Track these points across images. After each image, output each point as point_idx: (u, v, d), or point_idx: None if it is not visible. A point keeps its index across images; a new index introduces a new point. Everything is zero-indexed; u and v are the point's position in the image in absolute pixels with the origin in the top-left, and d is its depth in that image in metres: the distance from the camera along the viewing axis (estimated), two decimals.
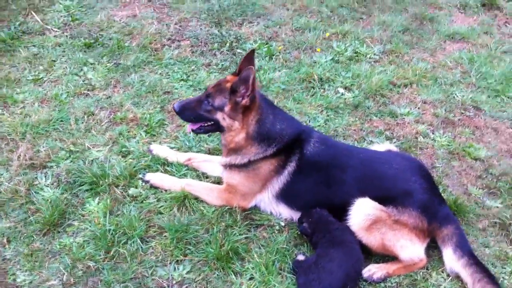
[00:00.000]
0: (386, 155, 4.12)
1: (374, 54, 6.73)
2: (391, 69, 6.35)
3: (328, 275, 3.34)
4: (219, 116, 3.89)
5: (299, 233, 3.91)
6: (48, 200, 3.97)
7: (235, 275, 3.58)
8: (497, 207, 4.38)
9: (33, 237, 3.74)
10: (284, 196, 4.00)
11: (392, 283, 3.65)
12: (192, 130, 4.07)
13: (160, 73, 5.91)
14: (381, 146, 4.46)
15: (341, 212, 3.73)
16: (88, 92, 5.45)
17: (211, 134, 4.71)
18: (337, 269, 3.36)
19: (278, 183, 3.98)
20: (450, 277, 3.68)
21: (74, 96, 5.36)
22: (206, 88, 4.01)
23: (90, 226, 3.81)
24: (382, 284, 3.63)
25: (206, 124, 4.00)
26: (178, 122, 5.00)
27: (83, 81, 5.64)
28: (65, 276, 3.45)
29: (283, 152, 3.93)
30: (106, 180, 4.16)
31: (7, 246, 3.66)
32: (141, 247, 3.72)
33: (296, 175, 3.92)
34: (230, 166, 4.06)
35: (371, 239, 3.65)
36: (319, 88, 5.89)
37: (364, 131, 5.22)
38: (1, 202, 3.97)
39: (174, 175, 4.38)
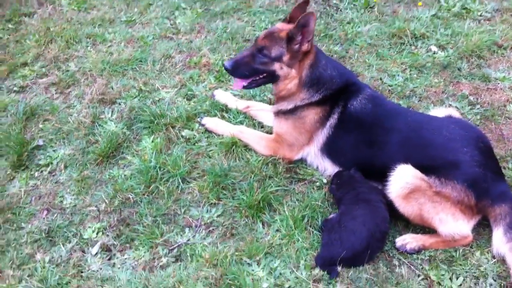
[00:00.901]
0: (438, 120, 3.73)
1: (486, 12, 5.99)
2: (500, 29, 5.62)
3: (351, 234, 3.21)
4: (276, 66, 3.79)
5: None
6: (107, 133, 4.25)
7: (262, 225, 3.58)
8: None
9: (87, 165, 4.06)
10: (328, 150, 3.88)
11: (425, 256, 3.37)
12: (244, 87, 3.97)
13: (246, 21, 5.90)
14: (441, 110, 4.03)
15: (382, 176, 3.48)
16: (173, 36, 5.64)
17: None
18: (360, 228, 3.21)
19: (322, 136, 3.87)
20: (495, 260, 3.31)
21: (159, 38, 5.60)
22: (256, 40, 3.91)
23: (138, 161, 4.02)
24: (414, 256, 3.38)
25: (258, 78, 3.89)
26: None
27: (171, 25, 5.84)
28: (104, 204, 3.72)
29: (328, 102, 3.80)
30: (163, 120, 4.33)
31: (63, 171, 4.03)
32: (181, 186, 3.85)
33: (337, 129, 3.77)
34: (278, 113, 4.01)
35: (408, 209, 3.38)
36: (410, 45, 5.45)
37: (446, 93, 4.75)
38: (68, 131, 4.35)
39: (230, 122, 4.42)
